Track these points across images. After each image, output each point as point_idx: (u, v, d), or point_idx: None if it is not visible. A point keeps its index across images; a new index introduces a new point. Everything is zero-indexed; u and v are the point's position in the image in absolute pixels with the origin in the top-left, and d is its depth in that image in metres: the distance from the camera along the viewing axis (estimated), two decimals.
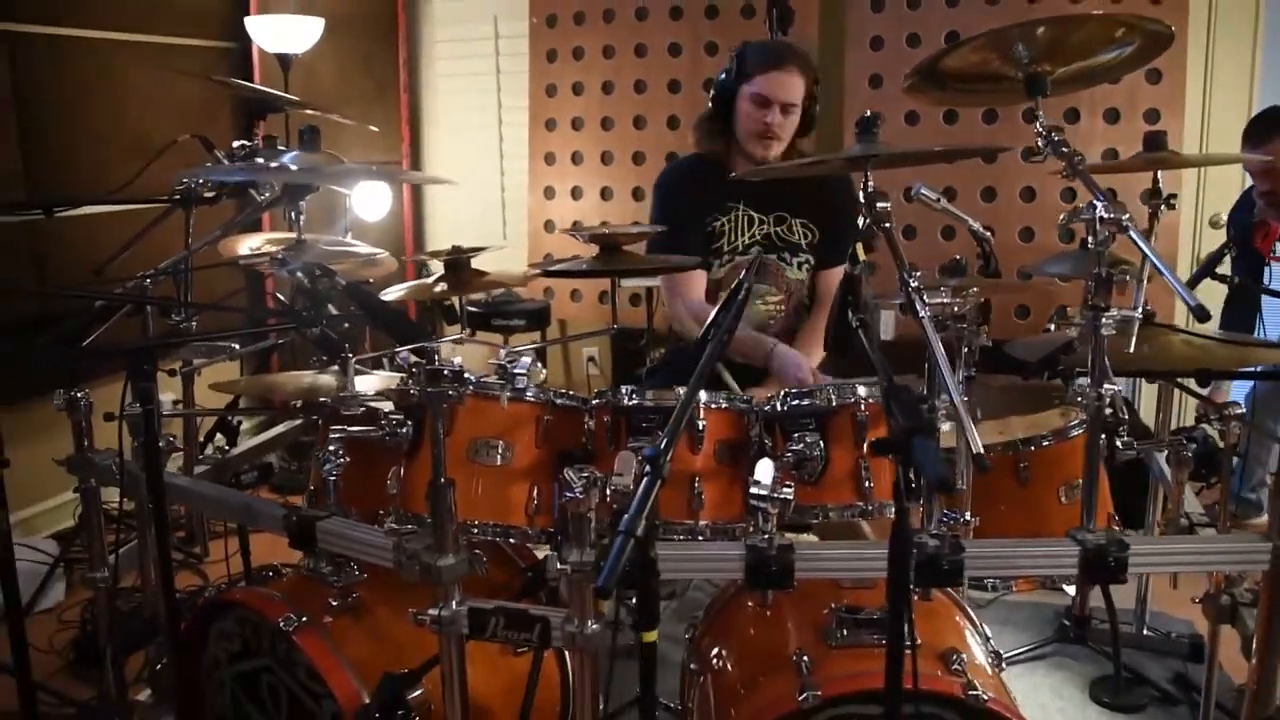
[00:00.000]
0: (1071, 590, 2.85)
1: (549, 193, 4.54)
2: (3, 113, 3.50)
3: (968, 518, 2.05)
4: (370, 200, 4.30)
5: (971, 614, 1.99)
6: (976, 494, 2.19)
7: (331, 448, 1.85)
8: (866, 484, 1.71)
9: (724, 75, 2.63)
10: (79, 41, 3.75)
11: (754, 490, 1.58)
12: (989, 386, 2.09)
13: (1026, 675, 2.74)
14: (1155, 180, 1.95)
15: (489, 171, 4.86)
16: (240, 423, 2.81)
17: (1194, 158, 2.20)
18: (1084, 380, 1.66)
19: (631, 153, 4.36)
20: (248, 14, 4.32)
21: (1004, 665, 1.91)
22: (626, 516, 1.23)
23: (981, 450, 1.44)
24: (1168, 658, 2.73)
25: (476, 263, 2.20)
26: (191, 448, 2.42)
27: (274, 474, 3.83)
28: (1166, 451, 2.26)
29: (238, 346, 2.25)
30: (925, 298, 1.57)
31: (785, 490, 1.57)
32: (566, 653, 2.12)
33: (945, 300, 1.59)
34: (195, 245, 2.07)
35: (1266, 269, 3.07)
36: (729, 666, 1.86)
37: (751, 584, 1.56)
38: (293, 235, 2.24)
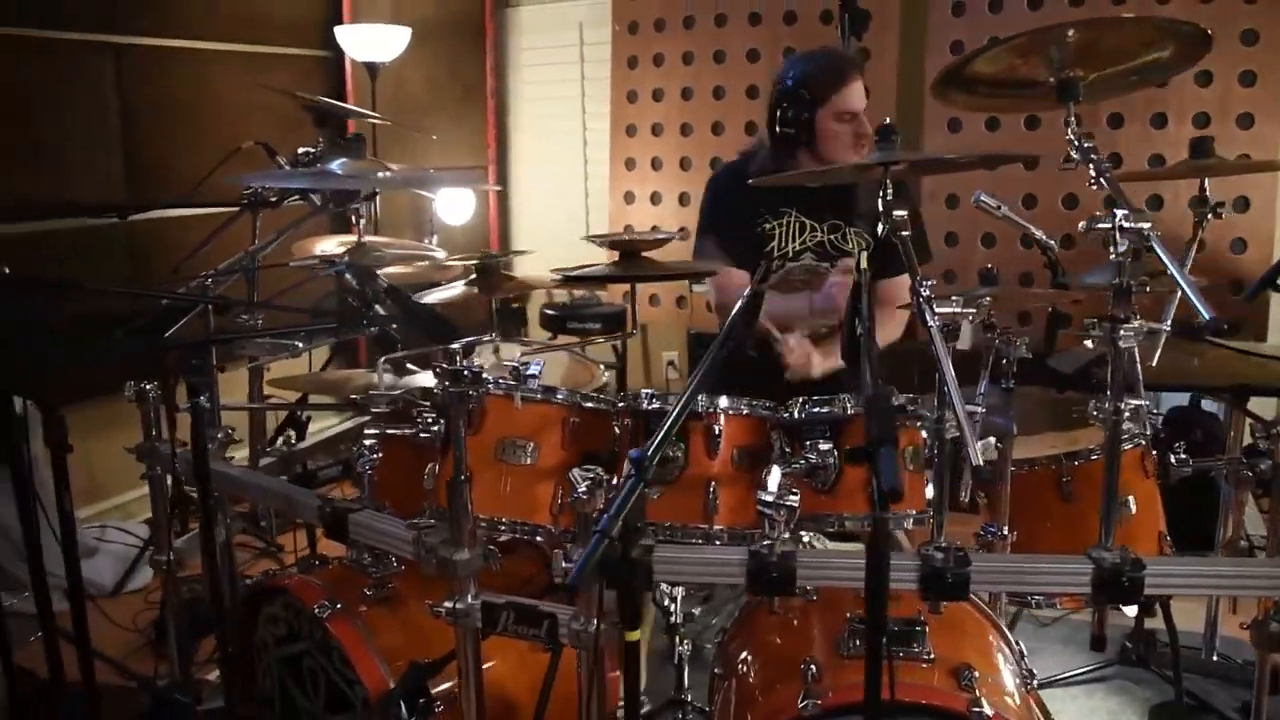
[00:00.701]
0: (1131, 612, 2.75)
1: (629, 198, 4.59)
2: (109, 119, 3.74)
3: (1005, 532, 2.04)
4: (453, 205, 4.43)
5: (1005, 629, 1.95)
6: (1018, 509, 2.15)
7: (367, 444, 1.93)
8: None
9: (786, 110, 2.59)
10: (179, 52, 3.96)
11: (761, 496, 1.59)
12: (1028, 399, 2.04)
13: (1084, 698, 2.66)
14: (1202, 187, 1.88)
15: (573, 176, 4.94)
16: (308, 419, 2.94)
17: (1236, 164, 2.08)
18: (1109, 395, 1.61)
19: (709, 158, 4.38)
20: (340, 23, 4.50)
21: (1034, 685, 1.87)
22: (605, 516, 1.25)
23: (980, 462, 1.43)
24: (1236, 686, 2.61)
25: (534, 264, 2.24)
26: (257, 441, 2.53)
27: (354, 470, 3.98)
28: (1226, 470, 2.17)
29: (301, 345, 2.34)
30: (935, 307, 1.56)
31: (791, 498, 1.57)
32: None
33: (955, 310, 1.56)
34: (253, 248, 2.18)
35: None
36: (748, 671, 1.86)
37: (753, 590, 1.56)
38: (368, 237, 2.34)
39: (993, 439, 1.81)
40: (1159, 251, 1.50)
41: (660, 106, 4.47)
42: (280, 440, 2.81)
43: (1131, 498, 2.15)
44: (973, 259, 3.89)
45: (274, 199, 2.31)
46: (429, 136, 3.77)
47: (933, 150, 3.89)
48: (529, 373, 1.71)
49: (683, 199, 4.47)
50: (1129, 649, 2.75)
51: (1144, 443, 2.17)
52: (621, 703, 1.41)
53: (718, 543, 1.76)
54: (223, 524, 2.57)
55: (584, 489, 1.54)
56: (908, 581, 1.53)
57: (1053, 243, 2.37)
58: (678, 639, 2.26)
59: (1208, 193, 1.87)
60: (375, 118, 2.78)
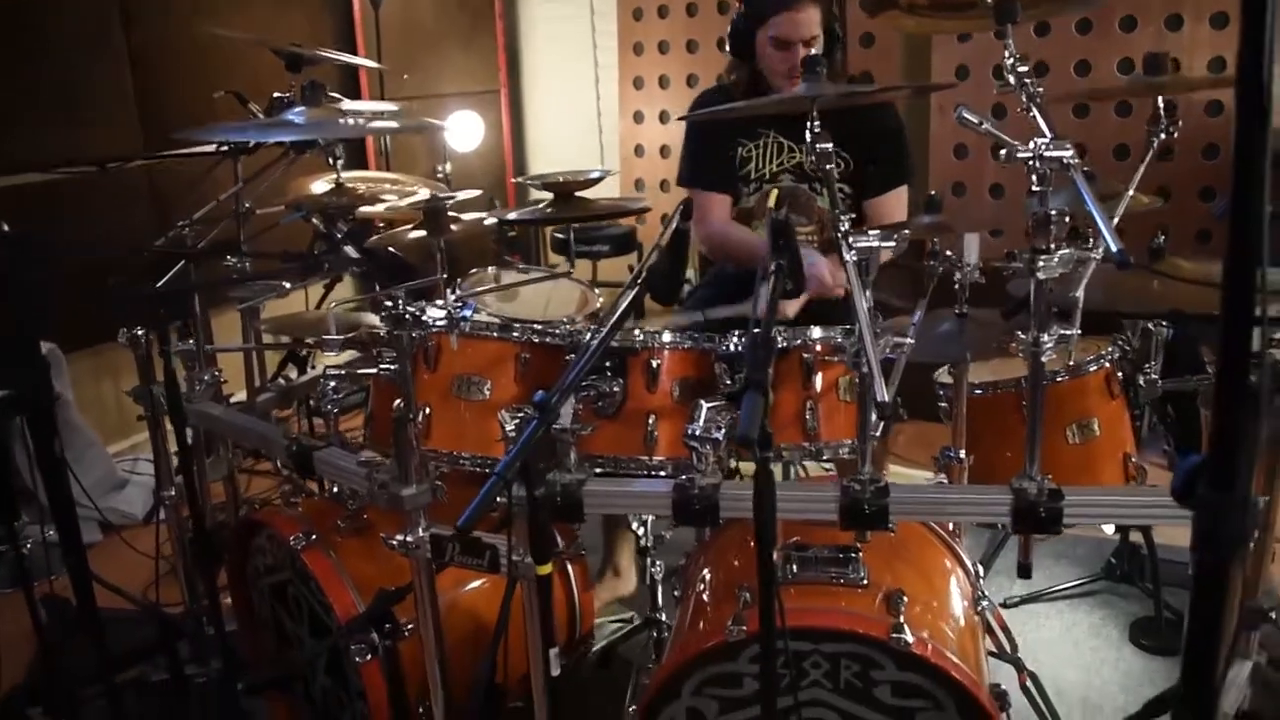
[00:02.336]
0: (1110, 530, 2.76)
1: (638, 117, 4.56)
2: (120, 69, 3.80)
3: (961, 456, 2.05)
4: (464, 132, 4.44)
5: (959, 551, 1.97)
6: (980, 433, 2.17)
7: (332, 384, 2.00)
8: (811, 425, 1.73)
9: (735, 19, 2.58)
10: None
11: (688, 430, 1.62)
12: (992, 324, 2.03)
13: (1069, 612, 2.69)
14: (1156, 106, 1.83)
15: (585, 96, 4.91)
16: (308, 354, 3.02)
17: (1193, 79, 1.97)
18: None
19: (715, 75, 4.30)
20: None
21: (985, 606, 1.90)
22: (503, 460, 1.30)
23: (885, 399, 1.45)
24: None
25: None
26: (252, 380, 2.62)
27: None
28: (1199, 391, 2.15)
29: (288, 285, 2.41)
30: (852, 241, 1.57)
31: (717, 431, 1.61)
32: (571, 572, 2.26)
33: (873, 244, 1.55)
34: (228, 193, 2.23)
35: None
36: (697, 594, 1.92)
37: (679, 520, 1.61)
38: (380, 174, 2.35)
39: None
40: (1077, 181, 1.48)
41: (665, 23, 4.40)
42: (280, 376, 2.91)
43: (1096, 420, 2.16)
44: (984, 170, 3.82)
45: (250, 145, 2.36)
46: (400, 76, 3.76)
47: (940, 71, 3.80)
48: (461, 314, 1.75)
49: None
50: (1114, 564, 2.76)
51: (1108, 364, 2.16)
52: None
53: (662, 474, 1.81)
54: (225, 458, 2.70)
55: (511, 428, 1.59)
56: (828, 512, 1.57)
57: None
58: (649, 560, 2.34)
59: (1161, 110, 1.82)
60: (345, 59, 2.77)
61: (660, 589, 2.33)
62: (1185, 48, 3.40)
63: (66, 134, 3.61)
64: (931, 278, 1.87)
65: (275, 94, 2.50)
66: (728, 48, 2.66)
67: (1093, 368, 2.14)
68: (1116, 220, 1.81)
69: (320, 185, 2.95)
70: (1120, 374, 2.16)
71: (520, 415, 1.62)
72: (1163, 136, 1.84)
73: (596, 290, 3.03)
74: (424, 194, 2.92)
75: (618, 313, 1.50)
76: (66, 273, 3.45)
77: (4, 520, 2.76)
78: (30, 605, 2.41)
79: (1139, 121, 3.41)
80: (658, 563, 2.34)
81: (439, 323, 1.79)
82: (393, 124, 3.10)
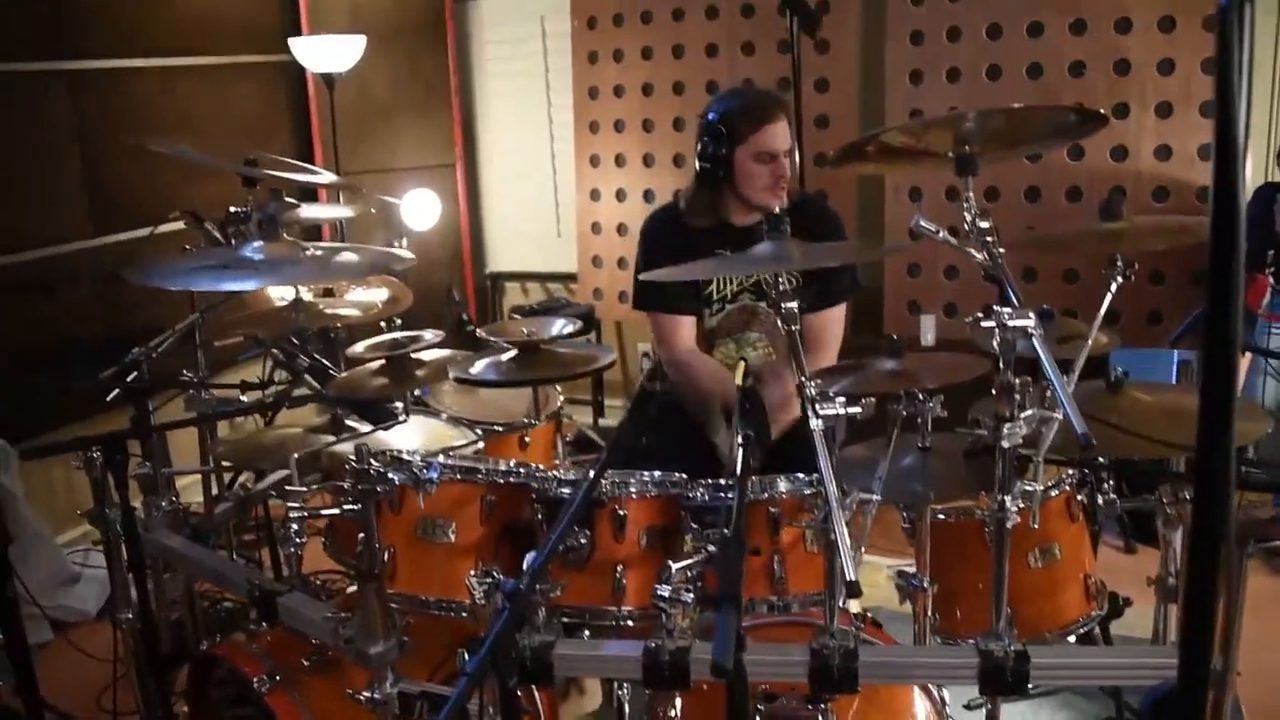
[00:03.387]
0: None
1: (595, 195, 4.57)
2: (67, 149, 3.75)
3: (925, 584, 2.07)
4: (420, 209, 4.42)
5: (936, 704, 1.98)
6: (944, 558, 2.19)
7: (294, 528, 1.97)
8: (779, 576, 1.74)
9: (707, 145, 2.60)
10: (138, 72, 3.95)
11: (658, 591, 1.62)
12: (946, 457, 2.06)
13: (1030, 714, 2.71)
14: (1114, 256, 1.87)
15: (542, 170, 4.92)
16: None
17: (1153, 228, 2.02)
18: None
19: (672, 155, 4.36)
20: (299, 28, 4.48)
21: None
22: (474, 658, 1.29)
23: (853, 578, 1.46)
24: None
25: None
26: (209, 490, 2.58)
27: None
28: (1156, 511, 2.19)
29: (241, 407, 2.38)
30: (819, 409, 1.58)
31: (687, 594, 1.61)
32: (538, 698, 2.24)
33: (838, 412, 1.56)
34: (191, 318, 2.20)
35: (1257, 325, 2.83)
36: None
37: (649, 684, 1.61)
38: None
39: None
40: (1041, 355, 1.51)
41: (621, 103, 4.43)
42: (238, 485, 2.87)
43: (1057, 545, 2.19)
44: (939, 251, 3.87)
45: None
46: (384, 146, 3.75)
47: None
48: (425, 477, 1.74)
49: (647, 195, 4.45)
50: None
51: (1069, 487, 2.20)
52: None
53: (629, 622, 1.81)
54: (178, 578, 2.64)
55: (480, 595, 1.58)
56: (797, 675, 1.57)
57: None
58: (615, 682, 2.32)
59: (1119, 259, 1.86)
60: (310, 174, 2.75)
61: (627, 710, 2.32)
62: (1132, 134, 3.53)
63: (15, 217, 3.57)
64: (894, 422, 1.89)
65: (231, 208, 2.48)
66: (697, 177, 2.66)
67: (1054, 493, 2.17)
68: (1079, 368, 1.84)
69: (278, 295, 2.90)
70: (1080, 496, 2.19)
71: (488, 581, 1.61)
72: (1119, 280, 1.88)
73: (559, 389, 3.03)
74: (382, 295, 2.91)
75: (580, 494, 1.49)
76: (9, 362, 3.42)
77: None
78: None
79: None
80: (624, 685, 2.33)
81: (403, 480, 1.78)
82: (347, 211, 3.08)
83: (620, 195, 4.50)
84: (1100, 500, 2.22)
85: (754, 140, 2.53)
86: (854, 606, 1.88)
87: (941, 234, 2.35)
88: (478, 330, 3.98)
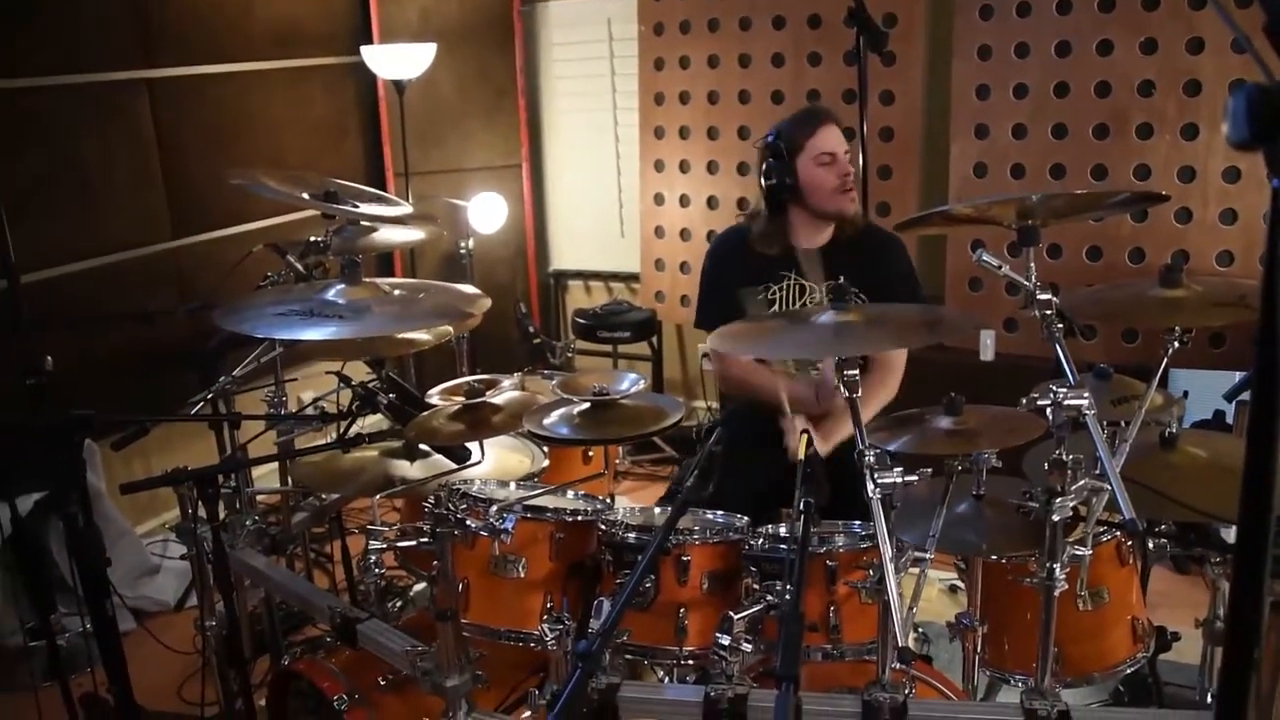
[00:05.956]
0: None
1: (659, 199, 4.63)
2: (147, 155, 3.90)
3: (977, 625, 2.14)
4: (486, 212, 4.53)
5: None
6: (995, 599, 2.25)
7: (372, 559, 2.08)
8: (834, 625, 1.82)
9: (770, 166, 2.67)
10: (214, 78, 4.09)
11: (719, 640, 1.71)
12: (999, 508, 2.11)
13: None
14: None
15: (607, 173, 4.98)
16: None
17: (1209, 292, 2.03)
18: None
19: (736, 163, 4.39)
20: (370, 33, 4.59)
21: None
22: (550, 714, 1.39)
23: (905, 644, 1.53)
24: None
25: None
26: (288, 511, 2.71)
27: None
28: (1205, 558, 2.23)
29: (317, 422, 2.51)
30: (878, 478, 1.64)
31: (746, 644, 1.69)
32: None
33: (895, 480, 1.63)
34: (264, 358, 2.33)
35: None
36: None
37: None
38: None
39: None
40: (1094, 433, 1.56)
41: (686, 109, 4.47)
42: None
43: (1106, 588, 2.23)
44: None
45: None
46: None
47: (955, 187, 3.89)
48: (501, 528, 1.84)
49: (710, 202, 4.49)
50: (1121, 692, 2.83)
51: (1119, 534, 2.24)
52: None
53: (690, 661, 1.90)
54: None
55: (551, 640, 1.68)
56: None
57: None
58: None
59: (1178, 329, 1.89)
60: (385, 204, 2.85)
61: None
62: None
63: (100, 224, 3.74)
64: (950, 478, 1.94)
65: (311, 238, 2.60)
66: (764, 203, 2.74)
67: (1105, 538, 2.21)
68: (1133, 435, 1.88)
69: None
70: (1130, 542, 2.23)
71: (560, 628, 1.71)
72: (1176, 346, 1.91)
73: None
74: (445, 331, 2.99)
75: (654, 546, 1.58)
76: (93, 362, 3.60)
77: (40, 614, 2.88)
78: (68, 704, 2.52)
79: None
80: None
81: (479, 528, 1.87)
82: (420, 234, 3.17)
83: (684, 201, 4.55)
84: (1150, 545, 2.26)
85: (811, 145, 2.63)
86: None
87: (1004, 269, 2.40)
88: (545, 348, 4.10)
